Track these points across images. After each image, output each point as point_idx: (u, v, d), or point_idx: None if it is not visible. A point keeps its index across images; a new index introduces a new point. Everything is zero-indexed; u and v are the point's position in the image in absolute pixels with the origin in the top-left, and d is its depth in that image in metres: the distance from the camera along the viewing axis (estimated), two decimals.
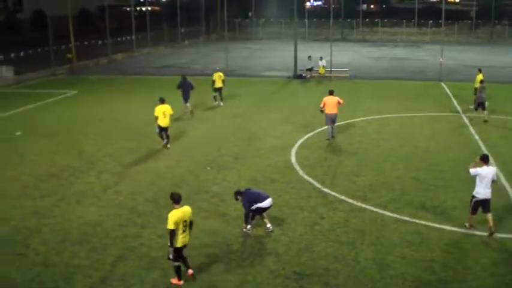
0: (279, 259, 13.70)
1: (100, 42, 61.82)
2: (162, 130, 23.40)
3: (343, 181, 19.29)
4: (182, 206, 12.65)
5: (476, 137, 24.54)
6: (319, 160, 21.73)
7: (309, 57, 42.90)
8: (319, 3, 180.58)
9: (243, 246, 14.43)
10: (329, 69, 43.14)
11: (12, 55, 51.16)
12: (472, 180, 15.42)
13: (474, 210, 15.14)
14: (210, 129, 26.63)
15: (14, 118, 30.08)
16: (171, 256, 12.54)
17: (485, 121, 27.49)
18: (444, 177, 19.51)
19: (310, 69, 42.85)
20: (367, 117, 28.90)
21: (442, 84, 39.54)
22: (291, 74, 43.76)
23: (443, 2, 53.31)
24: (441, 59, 41.63)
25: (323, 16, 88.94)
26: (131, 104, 33.29)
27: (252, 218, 15.21)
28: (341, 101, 24.60)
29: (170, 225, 12.28)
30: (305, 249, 14.23)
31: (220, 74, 32.87)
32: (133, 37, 61.62)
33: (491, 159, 16.24)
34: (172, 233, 12.31)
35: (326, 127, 25.15)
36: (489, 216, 14.92)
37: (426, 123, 27.83)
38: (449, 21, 71.74)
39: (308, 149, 23.31)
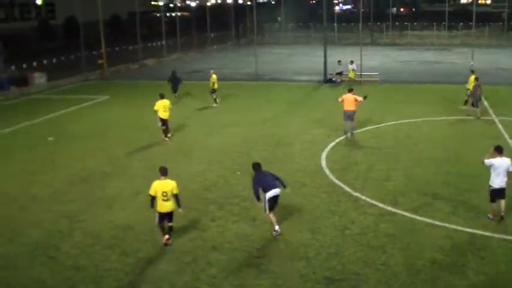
0: (309, 263, 13.65)
1: (131, 47, 62.46)
2: (164, 123, 25.55)
3: (373, 185, 19.17)
4: (166, 179, 14.72)
5: (509, 141, 24.20)
6: (350, 164, 21.63)
7: (339, 61, 42.77)
8: (349, 7, 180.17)
9: (273, 250, 14.41)
10: (359, 73, 42.93)
11: (45, 62, 51.95)
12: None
13: (493, 199, 15.86)
14: (240, 134, 26.67)
15: (46, 124, 30.49)
16: (156, 220, 14.73)
17: (478, 118, 28.72)
18: (476, 181, 19.19)
19: (340, 74, 42.68)
20: (397, 121, 28.68)
21: None
22: (321, 78, 43.64)
23: (474, 3, 52.85)
24: (472, 62, 41.17)
25: (352, 20, 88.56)
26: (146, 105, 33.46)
27: (270, 209, 15.17)
28: (358, 99, 25.50)
29: (150, 192, 14.63)
30: (335, 253, 14.17)
31: (214, 76, 34.09)
32: (163, 42, 62.10)
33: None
34: (152, 199, 14.63)
35: (345, 125, 25.90)
36: (502, 202, 15.78)
37: (458, 127, 27.54)
38: (480, 24, 70.96)
39: (338, 153, 23.23)
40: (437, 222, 15.89)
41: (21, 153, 24.46)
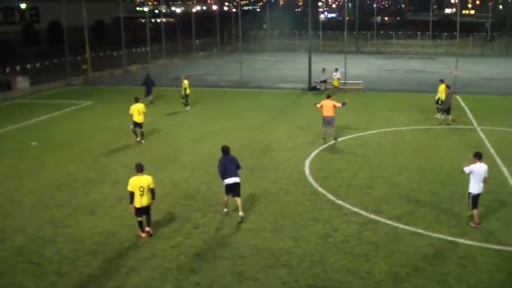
0: (292, 271, 13.67)
1: (115, 53, 62.27)
2: (137, 126, 26.05)
3: (357, 193, 19.25)
4: (142, 175, 15.48)
5: (492, 151, 24.39)
6: (333, 172, 21.71)
7: (323, 69, 42.93)
8: (334, 15, 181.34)
9: (256, 257, 14.40)
10: (343, 82, 43.13)
11: (29, 66, 51.64)
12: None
13: (475, 205, 16.13)
14: (225, 141, 26.51)
15: (29, 128, 30.33)
16: (135, 214, 15.50)
17: (448, 124, 29.69)
18: (459, 190, 19.28)
19: (325, 82, 42.83)
20: (381, 130, 28.83)
21: (457, 96, 39.34)
22: (305, 86, 43.76)
23: (458, 14, 53.30)
24: (456, 71, 41.50)
25: (337, 28, 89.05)
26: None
27: (226, 192, 16.98)
28: (337, 105, 25.85)
29: (128, 188, 15.42)
30: (318, 261, 14.19)
31: (186, 81, 34.62)
32: (148, 48, 61.98)
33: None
34: (131, 195, 15.35)
35: (324, 131, 26.20)
36: (475, 211, 16.17)
37: (441, 136, 27.72)
38: (464, 34, 71.47)
39: (322, 161, 23.30)
40: (420, 231, 15.98)
41: (5, 157, 24.29)
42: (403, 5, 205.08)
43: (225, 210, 17.32)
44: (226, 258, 14.40)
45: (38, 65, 53.66)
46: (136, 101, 26.55)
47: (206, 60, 68.95)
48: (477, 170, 15.98)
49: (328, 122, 25.88)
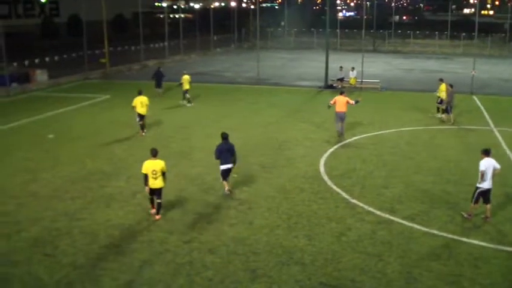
0: (305, 269, 13.68)
1: (133, 48, 62.51)
2: (141, 118, 26.92)
3: (371, 192, 19.20)
4: (156, 159, 16.55)
5: (508, 152, 24.25)
6: (348, 171, 21.67)
7: (340, 67, 42.81)
8: (352, 13, 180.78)
9: (269, 255, 14.42)
10: (360, 80, 43.01)
11: (47, 59, 51.99)
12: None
13: (477, 201, 16.52)
14: (241, 138, 26.61)
15: (47, 121, 30.55)
16: (147, 194, 16.72)
17: (452, 123, 30.03)
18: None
19: (341, 80, 42.71)
20: (398, 129, 28.74)
21: (474, 97, 39.16)
22: (322, 84, 43.70)
23: (477, 14, 52.95)
24: (473, 71, 41.25)
25: (355, 27, 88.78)
26: (163, 110, 33.56)
27: (222, 177, 18.63)
28: (350, 101, 26.63)
29: (142, 170, 16.56)
30: (331, 260, 14.19)
31: (187, 76, 35.20)
32: (166, 44, 62.16)
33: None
34: (145, 177, 16.47)
35: (337, 126, 26.81)
36: (488, 206, 16.54)
37: (457, 136, 27.58)
38: (483, 34, 71.04)
39: (337, 159, 23.27)
40: (434, 231, 15.93)
41: (22, 150, 24.49)
42: (421, 5, 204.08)
43: (227, 190, 18.73)
44: (239, 254, 14.44)
45: (56, 58, 54.00)
46: (140, 93, 27.13)
47: (224, 57, 69.03)
48: (487, 166, 16.37)
49: (341, 117, 26.45)
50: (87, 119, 31.04)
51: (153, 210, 16.85)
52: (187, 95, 35.08)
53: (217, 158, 18.47)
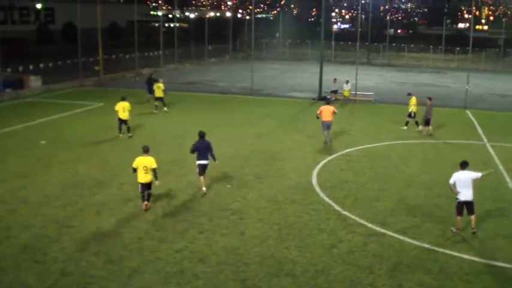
0: (296, 281, 13.63)
1: (128, 56, 62.48)
2: (122, 122, 28.09)
3: (363, 205, 19.19)
4: (147, 156, 17.89)
5: (501, 167, 24.30)
6: (341, 182, 21.66)
7: (334, 79, 42.87)
8: (347, 26, 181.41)
9: (260, 265, 14.38)
10: (354, 93, 43.08)
11: (41, 65, 51.88)
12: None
13: (458, 212, 16.74)
14: (234, 148, 26.67)
15: (39, 127, 30.48)
16: (139, 188, 18.03)
17: (430, 135, 30.50)
18: None
19: (335, 92, 42.76)
20: (391, 142, 28.78)
21: (467, 111, 39.29)
22: (315, 95, 43.73)
23: (471, 29, 53.15)
24: (467, 86, 41.39)
25: (350, 39, 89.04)
26: (156, 117, 33.52)
27: (199, 173, 19.75)
28: (336, 111, 27.77)
29: (133, 165, 17.94)
30: (322, 271, 14.15)
31: (160, 85, 36.00)
32: (160, 52, 62.15)
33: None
34: (134, 171, 17.92)
35: (324, 133, 27.72)
36: (473, 217, 16.67)
37: (450, 150, 27.62)
38: (477, 49, 71.32)
39: (330, 171, 23.26)
40: (426, 245, 15.92)
41: (14, 155, 24.39)
42: (416, 18, 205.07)
43: (204, 189, 19.76)
44: (229, 264, 14.39)
45: (50, 64, 53.89)
46: (123, 99, 28.46)
47: (218, 66, 69.10)
48: (459, 178, 16.66)
49: (327, 126, 27.46)
50: (80, 126, 30.96)
51: (146, 203, 18.01)
52: (156, 103, 35.73)
53: (192, 152, 19.75)
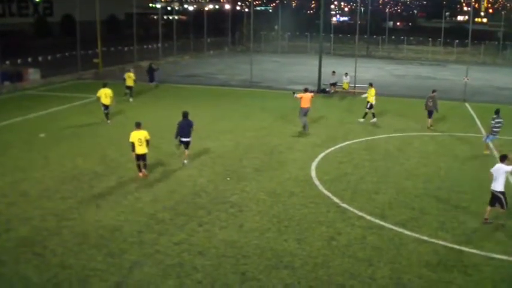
0: (295, 273, 13.65)
1: (126, 48, 62.33)
2: (106, 108, 29.53)
3: (362, 197, 19.21)
4: (140, 130, 20.35)
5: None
6: (340, 175, 21.67)
7: (333, 72, 42.84)
8: (346, 18, 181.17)
9: (259, 258, 14.39)
10: (353, 85, 43.06)
11: (40, 58, 51.78)
12: None
13: (494, 203, 17.00)
14: (233, 141, 26.67)
15: (38, 120, 30.46)
16: (134, 159, 20.47)
17: (429, 127, 30.51)
18: (465, 198, 19.35)
19: (334, 84, 42.75)
20: (389, 135, 28.78)
21: (467, 104, 39.29)
22: (315, 88, 43.63)
23: (470, 21, 53.10)
24: (466, 79, 41.35)
25: (349, 32, 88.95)
26: (155, 110, 33.49)
27: (183, 147, 22.21)
28: (313, 95, 29.24)
29: (130, 139, 20.22)
30: (321, 264, 14.18)
31: (131, 74, 37.60)
32: (159, 45, 62.06)
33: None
34: (132, 145, 20.12)
35: (301, 120, 28.74)
36: (489, 208, 17.11)
37: (449, 143, 27.64)
38: (476, 42, 71.27)
39: (329, 164, 23.26)
40: (425, 237, 15.94)
41: (13, 148, 24.37)
42: (415, 11, 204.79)
43: (185, 161, 22.33)
44: (229, 257, 14.40)
45: (49, 57, 53.77)
46: (104, 85, 29.95)
47: (217, 59, 69.00)
48: (496, 170, 16.97)
49: (305, 112, 28.47)
50: (79, 118, 30.89)
51: (140, 174, 20.47)
52: (127, 91, 37.09)
53: (177, 134, 21.93)
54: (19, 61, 49.36)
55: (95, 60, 50.61)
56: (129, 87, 37.27)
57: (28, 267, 13.60)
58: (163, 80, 46.01)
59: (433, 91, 31.20)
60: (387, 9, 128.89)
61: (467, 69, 42.14)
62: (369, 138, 27.88)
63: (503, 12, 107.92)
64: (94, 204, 17.84)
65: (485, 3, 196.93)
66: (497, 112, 25.60)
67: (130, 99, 36.73)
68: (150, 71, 43.84)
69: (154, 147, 24.66)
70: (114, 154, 23.74)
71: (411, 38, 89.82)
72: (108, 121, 29.61)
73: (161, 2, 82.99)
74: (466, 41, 50.76)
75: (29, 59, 50.98)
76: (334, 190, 19.81)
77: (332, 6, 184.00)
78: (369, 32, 77.79)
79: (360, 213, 17.65)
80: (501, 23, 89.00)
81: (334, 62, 57.29)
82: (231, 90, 43.91)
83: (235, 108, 35.50)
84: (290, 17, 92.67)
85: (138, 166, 20.57)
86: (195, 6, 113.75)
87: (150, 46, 66.67)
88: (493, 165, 17.35)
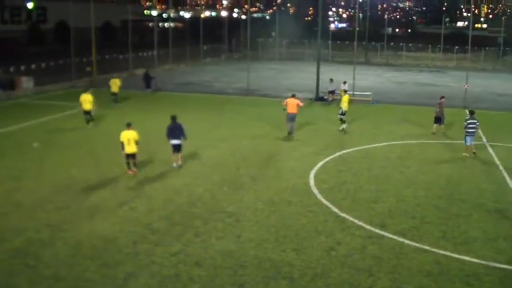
0: (293, 284, 13.37)
1: (121, 56, 62.08)
2: (87, 113, 30.61)
3: (361, 206, 18.94)
4: (130, 130, 21.28)
5: (501, 167, 24.06)
6: (338, 184, 21.40)
7: (331, 79, 42.64)
8: (344, 25, 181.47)
9: (257, 269, 14.10)
10: (351, 92, 42.82)
11: (33, 66, 51.53)
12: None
13: None
14: (230, 149, 26.42)
15: (32, 129, 30.18)
16: (124, 158, 21.52)
17: (434, 133, 30.51)
18: (466, 206, 19.09)
19: (332, 92, 42.53)
20: (389, 142, 28.54)
21: (467, 111, 38.99)
22: (312, 96, 43.45)
23: (470, 27, 53.00)
24: (466, 85, 41.18)
25: (347, 38, 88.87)
26: (151, 119, 33.21)
27: (172, 151, 22.79)
28: (300, 104, 29.02)
29: (120, 139, 21.22)
30: (320, 274, 13.89)
31: (116, 80, 39.25)
32: (155, 53, 61.81)
33: None
34: (122, 144, 21.18)
35: (288, 126, 29.08)
36: None
37: (449, 150, 27.39)
38: (476, 48, 71.21)
39: (327, 172, 23.00)
40: (425, 247, 15.67)
41: (6, 158, 24.10)
42: (414, 17, 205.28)
43: (174, 165, 22.76)
44: (226, 267, 14.11)
45: (43, 65, 53.54)
46: (85, 91, 31.36)
47: (214, 67, 68.78)
48: None
49: (292, 118, 28.88)
50: (73, 127, 30.62)
51: (130, 172, 21.48)
52: (112, 97, 38.52)
53: (168, 135, 22.60)
54: (12, 69, 49.13)
55: (88, 68, 50.34)
56: (114, 94, 38.65)
57: (21, 279, 13.32)
58: (159, 88, 45.77)
59: (441, 97, 31.21)
60: (386, 16, 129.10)
61: (467, 76, 41.96)
62: (368, 146, 27.64)
63: (503, 18, 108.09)
64: (88, 215, 17.53)
65: (485, 9, 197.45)
66: (472, 113, 26.35)
67: (117, 105, 38.00)
68: (147, 78, 44.90)
69: (151, 155, 24.41)
70: (108, 163, 23.42)
71: (410, 45, 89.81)
72: (89, 125, 30.52)
73: (157, 9, 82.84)
74: (466, 47, 50.68)
75: (22, 67, 50.77)
76: (333, 199, 19.53)
77: (330, 13, 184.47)
78: (368, 39, 77.72)
79: (360, 223, 17.37)
80: (501, 28, 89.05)
81: (333, 69, 57.26)
82: (227, 98, 43.66)
83: (232, 117, 35.26)
84: (287, 23, 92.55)
85: (128, 164, 21.51)
86: (191, 13, 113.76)
87: (145, 54, 66.45)
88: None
